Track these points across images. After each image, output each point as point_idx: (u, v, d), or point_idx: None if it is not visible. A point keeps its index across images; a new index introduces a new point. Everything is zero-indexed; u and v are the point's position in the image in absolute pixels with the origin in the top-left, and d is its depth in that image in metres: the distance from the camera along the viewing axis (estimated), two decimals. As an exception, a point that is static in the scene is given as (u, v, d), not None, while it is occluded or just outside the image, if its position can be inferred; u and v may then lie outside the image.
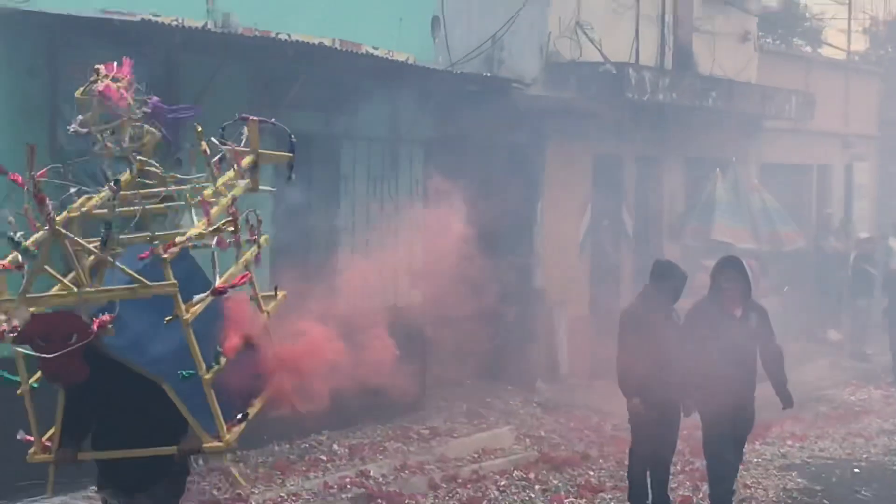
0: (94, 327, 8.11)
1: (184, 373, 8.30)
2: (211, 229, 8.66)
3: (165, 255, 8.32)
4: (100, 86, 9.02)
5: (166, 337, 8.36)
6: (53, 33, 13.41)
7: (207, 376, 8.28)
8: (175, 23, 13.65)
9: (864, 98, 33.09)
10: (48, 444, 8.50)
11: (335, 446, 16.21)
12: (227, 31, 14.71)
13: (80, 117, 8.94)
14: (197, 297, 8.37)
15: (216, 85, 14.83)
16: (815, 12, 34.06)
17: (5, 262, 8.19)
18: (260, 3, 15.60)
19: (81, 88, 9.02)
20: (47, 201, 8.05)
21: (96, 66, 9.19)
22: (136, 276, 8.22)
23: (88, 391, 8.37)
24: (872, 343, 27.21)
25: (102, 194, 8.75)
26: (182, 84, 14.75)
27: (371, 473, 15.22)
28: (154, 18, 13.48)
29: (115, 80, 9.08)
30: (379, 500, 14.38)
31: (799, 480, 16.49)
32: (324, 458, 15.72)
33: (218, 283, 8.49)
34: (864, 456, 18.06)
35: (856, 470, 17.13)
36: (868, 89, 33.53)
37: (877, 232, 30.94)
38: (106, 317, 8.11)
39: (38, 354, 7.95)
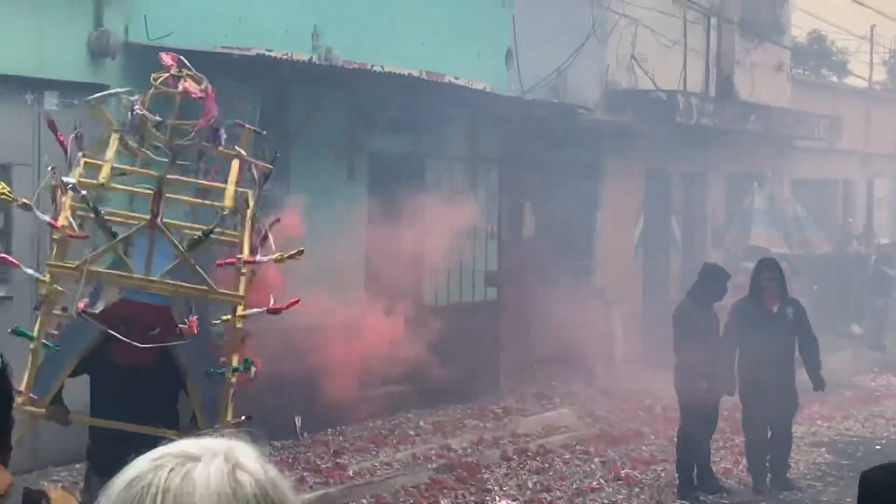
0: (194, 329, 8.00)
1: (211, 370, 8.23)
2: (287, 255, 8.52)
3: (244, 271, 8.23)
4: (186, 84, 9.00)
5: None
6: (181, 65, 13.50)
7: (233, 379, 8.19)
8: (285, 57, 13.72)
9: (883, 121, 32.77)
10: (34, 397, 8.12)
11: (421, 423, 16.23)
12: (329, 63, 14.77)
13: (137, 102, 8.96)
14: (250, 312, 8.23)
15: (320, 110, 14.92)
16: (840, 47, 33.80)
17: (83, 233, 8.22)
18: (357, 39, 15.65)
19: (161, 77, 9.18)
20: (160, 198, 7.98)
21: (168, 61, 9.35)
22: (207, 278, 8.10)
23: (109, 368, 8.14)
24: (890, 336, 27.12)
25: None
26: (290, 109, 14.87)
27: (452, 446, 15.23)
28: (267, 53, 13.56)
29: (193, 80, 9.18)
30: (459, 470, 14.39)
31: (827, 456, 16.41)
32: (412, 432, 15.74)
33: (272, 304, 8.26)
34: (885, 434, 17.94)
35: (877, 447, 17.00)
36: (887, 114, 33.19)
37: (895, 238, 30.75)
38: (194, 320, 8.03)
39: (125, 339, 7.71)
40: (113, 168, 8.90)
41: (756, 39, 26.71)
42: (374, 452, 14.56)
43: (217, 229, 8.49)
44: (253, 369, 8.27)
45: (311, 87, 14.88)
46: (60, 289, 7.97)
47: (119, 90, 8.92)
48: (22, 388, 7.91)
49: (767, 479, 14.23)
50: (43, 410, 8.03)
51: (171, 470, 1.95)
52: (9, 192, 8.23)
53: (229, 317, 8.32)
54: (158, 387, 8.25)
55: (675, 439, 14.30)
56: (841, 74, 33.52)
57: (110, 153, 8.94)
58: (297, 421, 14.91)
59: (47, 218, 8.17)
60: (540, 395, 18.53)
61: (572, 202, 20.57)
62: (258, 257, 8.34)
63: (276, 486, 1.99)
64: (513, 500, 13.53)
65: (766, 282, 13.87)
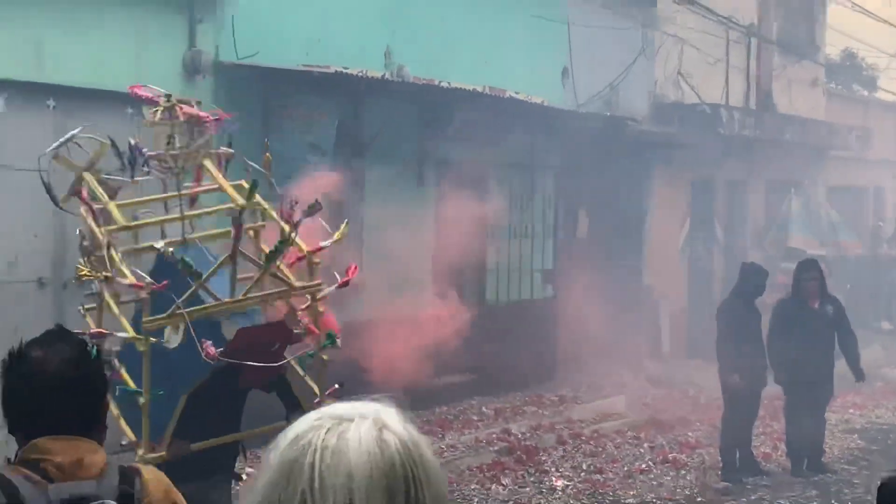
0: (315, 330, 7.78)
1: (309, 353, 7.89)
2: (339, 235, 8.12)
3: (317, 260, 7.91)
4: (191, 109, 8.45)
5: None
6: (267, 82, 13.62)
7: (325, 356, 7.92)
8: (360, 74, 13.77)
9: (912, 132, 32.56)
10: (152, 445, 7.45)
11: (484, 409, 16.24)
12: (400, 80, 14.82)
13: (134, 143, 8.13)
14: (328, 290, 7.86)
15: (392, 122, 14.97)
16: (871, 63, 33.45)
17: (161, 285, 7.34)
18: (426, 56, 15.69)
19: (157, 111, 8.38)
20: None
21: (146, 94, 8.61)
22: (287, 279, 7.77)
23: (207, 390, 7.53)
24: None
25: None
26: (365, 122, 14.92)
27: (513, 431, 15.23)
28: (344, 70, 13.61)
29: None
30: (518, 452, 14.39)
31: (859, 442, 16.30)
32: (475, 418, 15.76)
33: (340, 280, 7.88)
34: (913, 422, 17.84)
35: (906, 434, 16.93)
36: (915, 125, 32.98)
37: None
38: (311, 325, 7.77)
39: (250, 363, 7.29)
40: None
41: (793, 57, 26.55)
42: (440, 436, 14.59)
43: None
44: (338, 340, 7.96)
45: (384, 102, 14.93)
46: (154, 339, 7.30)
47: (73, 133, 8.07)
48: (142, 441, 7.44)
49: (804, 463, 14.16)
50: (164, 454, 7.40)
51: (328, 430, 2.05)
52: (88, 270, 7.84)
53: (308, 304, 7.99)
54: (242, 394, 7.96)
55: (719, 426, 14.26)
56: (871, 89, 33.16)
57: (105, 195, 8.11)
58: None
59: (130, 281, 7.49)
60: (593, 384, 18.49)
61: (623, 207, 20.52)
62: (323, 243, 7.95)
63: (416, 445, 2.08)
64: (568, 481, 13.52)
65: (807, 281, 13.86)
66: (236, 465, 8.15)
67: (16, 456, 3.68)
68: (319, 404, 7.83)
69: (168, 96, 8.44)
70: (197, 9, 13.27)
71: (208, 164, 8.53)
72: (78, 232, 8.20)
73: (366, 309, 8.55)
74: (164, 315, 7.28)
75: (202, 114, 8.47)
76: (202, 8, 13.31)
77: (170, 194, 8.41)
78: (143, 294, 7.28)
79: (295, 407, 7.80)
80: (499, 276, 18.00)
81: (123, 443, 7.63)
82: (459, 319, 14.74)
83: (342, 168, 13.54)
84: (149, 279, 7.47)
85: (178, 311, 7.24)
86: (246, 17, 13.41)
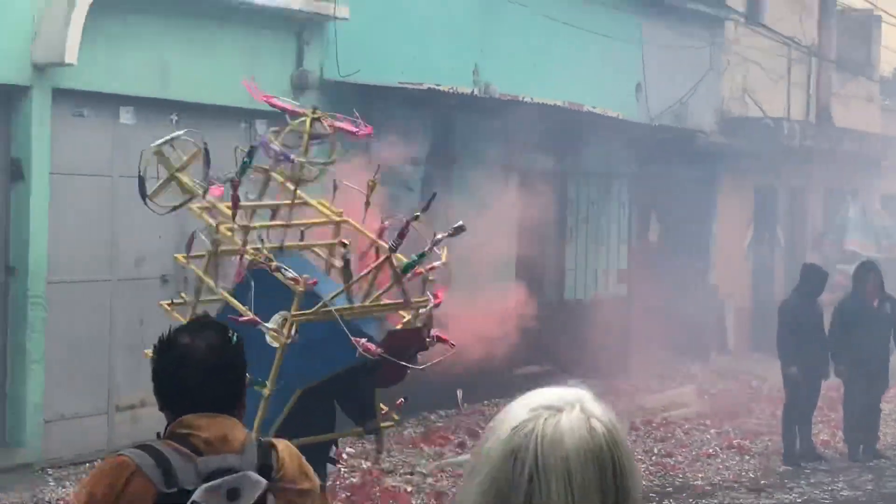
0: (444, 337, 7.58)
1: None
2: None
3: (432, 278, 7.60)
4: (339, 123, 8.13)
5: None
6: (366, 98, 13.73)
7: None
8: (451, 90, 13.86)
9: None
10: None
11: (562, 397, 16.22)
12: (487, 96, 14.88)
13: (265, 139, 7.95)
14: (428, 307, 7.48)
15: (480, 134, 15.04)
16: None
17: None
18: (510, 74, 15.73)
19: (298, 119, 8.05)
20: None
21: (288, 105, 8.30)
22: (405, 291, 7.43)
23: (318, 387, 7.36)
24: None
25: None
26: (455, 134, 15.02)
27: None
28: (436, 87, 13.70)
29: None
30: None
31: (912, 430, 16.10)
32: (480, 431, 15.70)
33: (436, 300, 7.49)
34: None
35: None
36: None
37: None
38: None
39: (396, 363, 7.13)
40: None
41: (850, 74, 26.30)
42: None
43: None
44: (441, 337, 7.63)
45: (472, 116, 15.01)
46: (288, 338, 7.10)
47: (176, 134, 7.74)
48: (253, 432, 7.07)
49: (860, 449, 14.03)
50: None
51: (546, 419, 2.17)
52: (258, 256, 7.40)
53: (407, 318, 7.62)
54: (330, 388, 7.60)
55: (781, 415, 14.16)
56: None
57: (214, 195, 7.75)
58: (459, 394, 15.00)
59: (291, 275, 7.19)
60: (663, 375, 18.42)
61: (691, 212, 20.43)
62: (436, 262, 7.60)
63: (616, 429, 2.21)
64: (640, 463, 13.49)
65: (867, 281, 13.82)
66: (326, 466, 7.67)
67: (165, 430, 3.77)
68: (386, 416, 7.79)
69: (314, 108, 8.28)
70: (305, 32, 13.46)
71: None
72: (198, 231, 7.90)
73: (454, 305, 8.57)
74: (310, 311, 7.17)
75: (352, 127, 8.20)
76: (309, 31, 13.50)
77: (282, 202, 8.13)
78: (300, 289, 7.17)
79: (373, 415, 7.67)
80: (576, 275, 18.00)
81: None
82: (540, 314, 14.79)
83: (434, 176, 13.66)
84: (304, 275, 7.26)
85: (321, 308, 7.15)
86: (348, 39, 13.53)
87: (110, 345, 11.96)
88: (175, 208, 7.67)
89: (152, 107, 12.08)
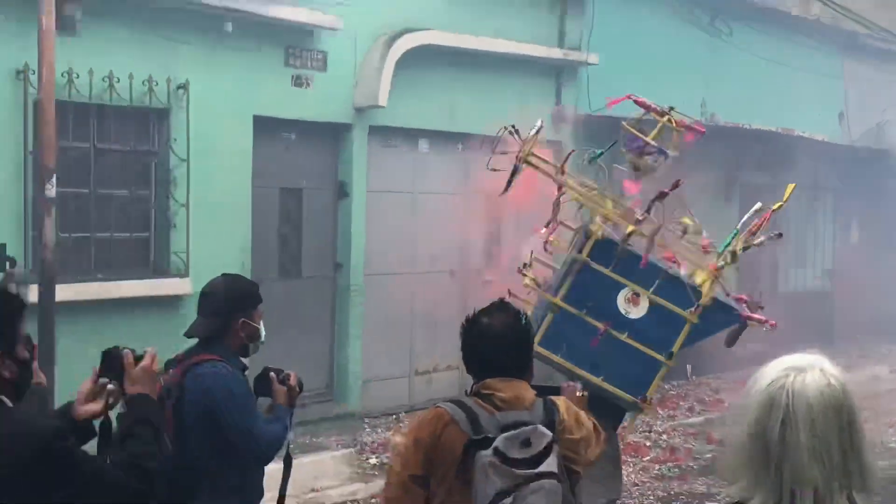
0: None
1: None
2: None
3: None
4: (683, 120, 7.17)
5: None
6: (612, 129, 13.90)
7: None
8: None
9: None
10: None
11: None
12: (713, 124, 14.91)
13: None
14: (757, 318, 6.91)
15: (706, 158, 15.06)
16: None
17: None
18: (732, 106, 15.70)
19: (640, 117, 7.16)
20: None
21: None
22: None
23: None
24: None
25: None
26: (687, 155, 15.04)
27: (726, 405, 14.67)
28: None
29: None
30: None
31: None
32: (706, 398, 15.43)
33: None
34: None
35: None
36: None
37: None
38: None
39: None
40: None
41: None
42: (741, 392, 14.47)
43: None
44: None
45: (701, 141, 14.99)
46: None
47: (538, 126, 6.87)
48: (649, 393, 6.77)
49: None
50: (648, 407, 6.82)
51: (794, 377, 2.37)
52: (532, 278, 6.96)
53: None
54: None
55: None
56: None
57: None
58: (688, 368, 15.11)
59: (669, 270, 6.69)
60: (862, 355, 17.95)
61: (889, 219, 19.80)
62: (719, 262, 6.92)
63: (846, 387, 2.38)
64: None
65: None
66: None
67: (471, 389, 3.89)
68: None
69: (671, 108, 7.14)
70: (562, 76, 13.79)
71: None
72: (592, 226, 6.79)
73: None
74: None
75: (698, 126, 7.40)
76: (566, 75, 13.81)
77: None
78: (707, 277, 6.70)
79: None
80: (787, 272, 17.81)
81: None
82: (758, 301, 14.69)
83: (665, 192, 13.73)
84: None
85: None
86: (597, 79, 13.73)
87: (411, 323, 12.40)
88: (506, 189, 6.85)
89: (443, 138, 12.54)
